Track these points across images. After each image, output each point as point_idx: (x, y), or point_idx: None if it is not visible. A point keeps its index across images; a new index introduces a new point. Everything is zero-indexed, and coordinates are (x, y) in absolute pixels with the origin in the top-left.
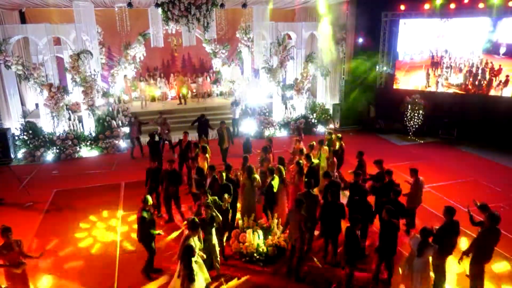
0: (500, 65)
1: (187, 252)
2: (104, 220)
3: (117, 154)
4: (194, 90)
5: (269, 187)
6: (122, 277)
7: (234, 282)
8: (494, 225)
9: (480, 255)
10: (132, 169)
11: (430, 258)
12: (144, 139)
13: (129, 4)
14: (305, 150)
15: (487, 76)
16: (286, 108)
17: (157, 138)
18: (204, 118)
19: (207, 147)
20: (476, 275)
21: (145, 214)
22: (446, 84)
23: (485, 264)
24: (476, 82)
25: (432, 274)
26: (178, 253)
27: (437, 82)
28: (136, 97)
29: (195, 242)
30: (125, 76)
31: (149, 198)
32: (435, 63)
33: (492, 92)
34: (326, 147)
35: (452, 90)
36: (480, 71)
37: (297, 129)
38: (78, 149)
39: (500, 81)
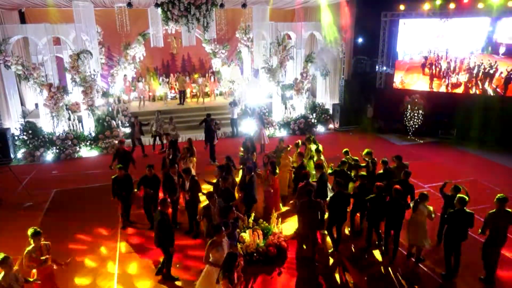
0: (496, 63)
1: (231, 260)
2: (104, 219)
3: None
4: (194, 90)
5: (248, 185)
6: (122, 277)
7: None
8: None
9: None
10: (132, 168)
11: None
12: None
13: (129, 4)
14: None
15: (486, 76)
16: (286, 108)
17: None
18: (210, 117)
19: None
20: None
21: (163, 217)
22: (446, 84)
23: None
24: (476, 82)
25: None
26: (204, 257)
27: (436, 81)
28: (135, 97)
29: (224, 248)
30: (125, 76)
31: (167, 200)
32: (434, 63)
33: (492, 92)
34: (313, 145)
35: (452, 90)
36: (479, 71)
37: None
38: (77, 149)
39: (500, 80)
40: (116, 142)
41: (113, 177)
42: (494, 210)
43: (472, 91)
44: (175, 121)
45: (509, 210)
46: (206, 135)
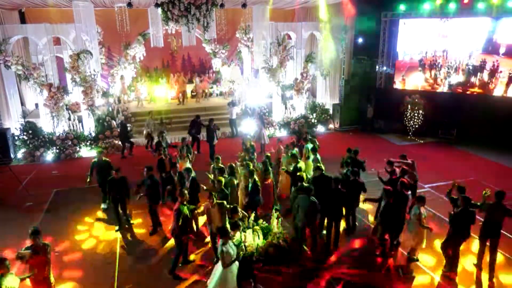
0: (498, 63)
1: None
2: (104, 219)
3: (116, 154)
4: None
5: (252, 189)
6: (122, 277)
7: None
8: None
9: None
10: (132, 168)
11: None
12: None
13: (129, 4)
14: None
15: (486, 76)
16: (286, 108)
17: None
18: (199, 119)
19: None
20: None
21: (182, 208)
22: (446, 84)
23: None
24: (476, 82)
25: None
26: (222, 262)
27: (436, 81)
28: (135, 97)
29: (233, 248)
30: (121, 76)
31: (186, 191)
32: (434, 63)
33: (492, 92)
34: (309, 144)
35: (452, 90)
36: (479, 71)
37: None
38: (78, 149)
39: (498, 79)
40: (116, 142)
41: (109, 178)
42: (491, 202)
43: (472, 91)
44: (165, 122)
45: (505, 205)
46: (197, 137)
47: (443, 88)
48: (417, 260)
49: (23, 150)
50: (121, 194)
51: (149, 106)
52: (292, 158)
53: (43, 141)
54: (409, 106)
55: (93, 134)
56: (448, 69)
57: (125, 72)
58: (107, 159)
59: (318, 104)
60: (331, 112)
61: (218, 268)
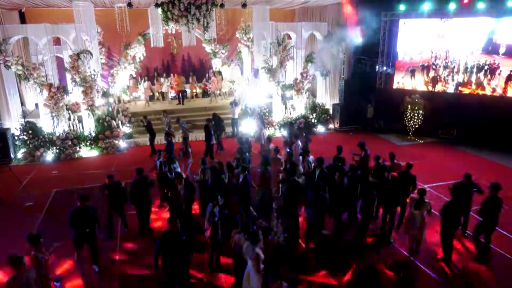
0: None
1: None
2: (104, 220)
3: (117, 154)
4: (195, 90)
5: (243, 183)
6: (122, 277)
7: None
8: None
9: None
10: (132, 169)
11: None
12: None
13: (129, 4)
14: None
15: (486, 76)
16: (286, 108)
17: None
18: (216, 117)
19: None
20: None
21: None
22: (446, 84)
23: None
24: (476, 82)
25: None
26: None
27: (437, 81)
28: (136, 96)
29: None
30: (130, 75)
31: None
32: (434, 63)
33: (492, 91)
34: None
35: (452, 90)
36: (479, 71)
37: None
38: (78, 149)
39: (498, 79)
40: (116, 142)
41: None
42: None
43: (472, 90)
44: (182, 121)
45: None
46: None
47: (443, 88)
48: (419, 253)
49: (23, 150)
50: (117, 200)
51: (149, 106)
52: (288, 155)
53: (43, 141)
54: (409, 106)
55: (93, 134)
56: (448, 69)
57: (125, 72)
58: (89, 207)
59: (318, 104)
60: (331, 112)
61: (251, 274)
